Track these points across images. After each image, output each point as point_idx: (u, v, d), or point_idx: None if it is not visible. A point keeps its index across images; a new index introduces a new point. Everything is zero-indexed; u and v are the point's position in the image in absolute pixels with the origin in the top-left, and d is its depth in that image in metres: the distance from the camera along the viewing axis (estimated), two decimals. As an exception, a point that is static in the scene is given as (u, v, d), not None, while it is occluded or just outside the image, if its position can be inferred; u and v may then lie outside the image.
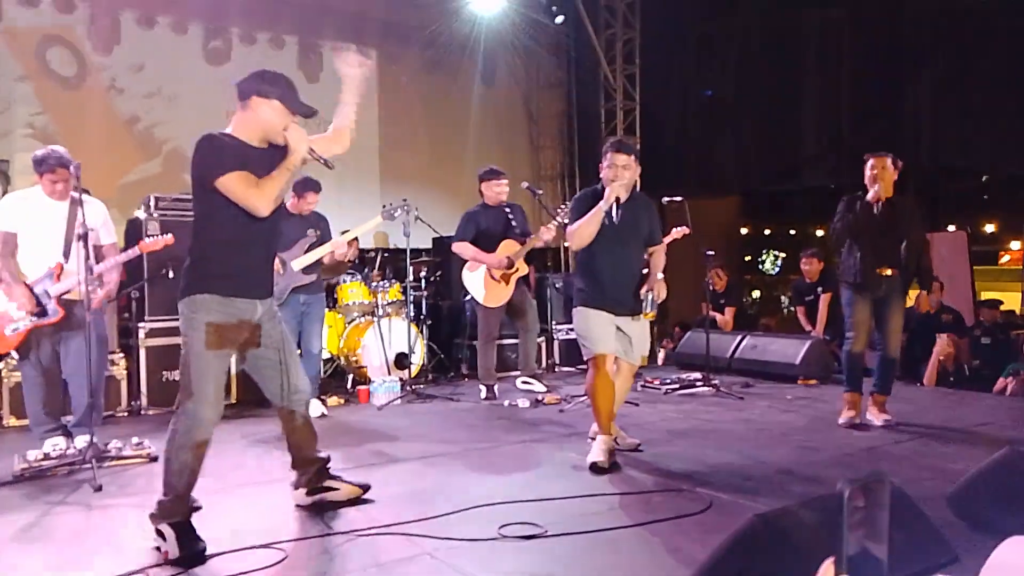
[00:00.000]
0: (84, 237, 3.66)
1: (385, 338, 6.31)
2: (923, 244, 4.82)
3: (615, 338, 3.91)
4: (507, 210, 5.87)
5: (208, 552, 2.63)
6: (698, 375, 6.21)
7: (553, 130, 11.14)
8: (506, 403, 5.62)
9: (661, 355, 8.32)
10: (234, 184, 2.70)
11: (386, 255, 8.31)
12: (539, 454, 4.16)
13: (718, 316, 7.90)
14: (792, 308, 8.88)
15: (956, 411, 5.25)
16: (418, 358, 6.58)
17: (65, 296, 4.01)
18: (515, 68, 10.80)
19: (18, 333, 3.95)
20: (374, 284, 6.79)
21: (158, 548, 2.65)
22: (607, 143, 4.13)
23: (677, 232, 5.95)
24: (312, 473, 3.19)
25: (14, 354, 4.10)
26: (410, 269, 6.31)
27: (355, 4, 9.30)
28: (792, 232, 17.44)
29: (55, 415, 4.12)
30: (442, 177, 9.74)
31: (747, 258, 17.77)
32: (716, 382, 6.06)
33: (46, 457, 3.88)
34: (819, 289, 7.23)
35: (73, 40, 8.03)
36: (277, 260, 4.85)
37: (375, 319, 6.47)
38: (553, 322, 7.45)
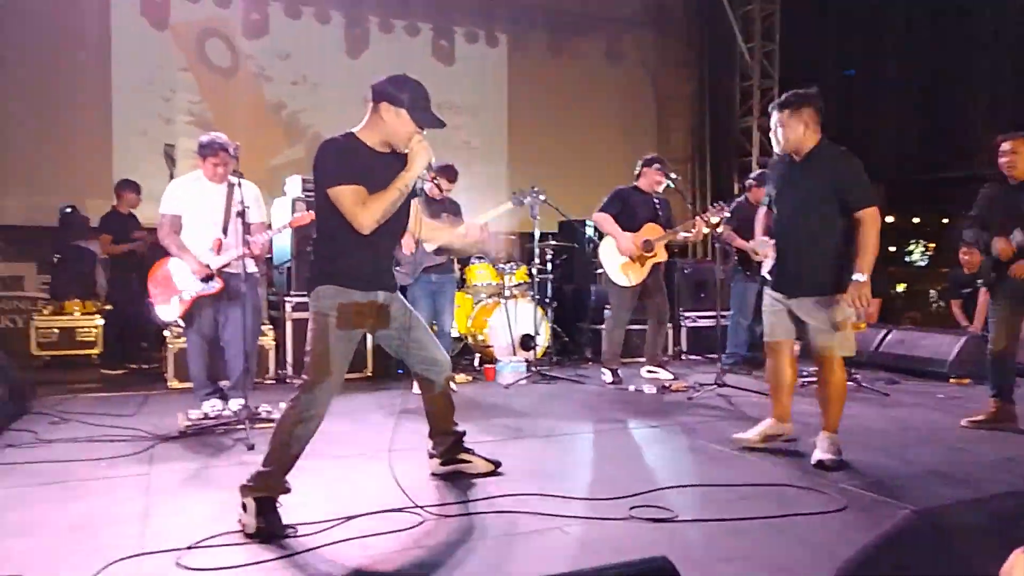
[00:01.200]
0: (242, 214, 3.95)
1: (511, 319, 6.40)
2: None
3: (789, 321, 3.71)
4: (656, 200, 5.85)
5: (350, 513, 2.77)
6: (837, 368, 5.88)
7: (683, 111, 10.84)
8: (631, 388, 5.57)
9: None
10: (344, 198, 2.70)
11: (513, 237, 8.41)
12: (667, 439, 4.09)
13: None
14: (943, 302, 8.24)
15: None
16: (543, 340, 6.63)
17: (224, 269, 4.33)
18: (643, 48, 10.59)
19: (183, 302, 4.31)
20: (501, 266, 6.89)
21: (239, 520, 2.68)
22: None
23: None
24: (448, 444, 3.29)
25: (180, 322, 4.47)
26: (536, 252, 6.36)
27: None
28: (945, 221, 16.14)
29: (214, 379, 4.46)
30: (569, 160, 9.70)
31: (891, 249, 16.61)
32: (858, 376, 5.72)
33: (205, 417, 4.23)
34: (979, 281, 6.65)
35: (227, 32, 8.62)
36: (410, 239, 5.01)
37: (502, 300, 6.57)
38: (680, 309, 7.29)
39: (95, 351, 6.85)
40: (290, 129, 8.97)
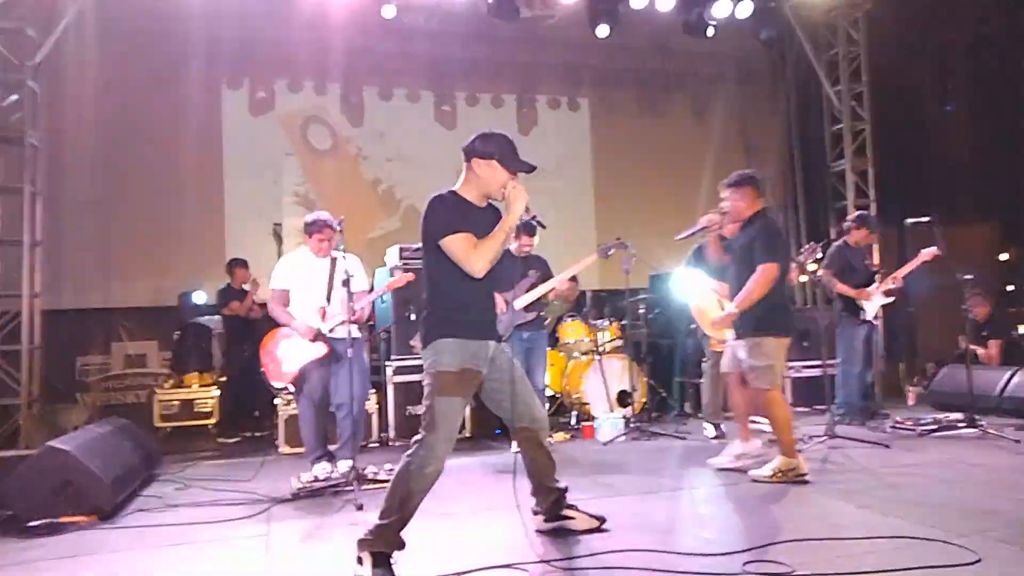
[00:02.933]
0: (347, 283, 4.19)
1: (606, 376, 6.37)
2: None
3: None
4: None
5: (456, 570, 2.80)
6: (959, 416, 5.53)
7: (772, 160, 10.69)
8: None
9: (912, 394, 7.50)
10: (456, 245, 2.87)
11: (603, 294, 8.42)
12: (776, 493, 3.93)
13: (980, 350, 7.00)
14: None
15: None
16: (639, 396, 6.55)
17: (330, 335, 4.56)
18: (728, 101, 10.58)
19: (294, 369, 4.55)
20: (593, 322, 6.90)
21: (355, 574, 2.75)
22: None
23: (925, 254, 5.42)
24: (551, 501, 3.29)
25: (291, 388, 4.70)
26: (628, 307, 6.35)
27: (567, 55, 9.70)
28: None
29: (323, 442, 4.64)
30: (657, 215, 9.70)
31: (1009, 287, 15.54)
32: (983, 423, 5.35)
33: (316, 479, 4.39)
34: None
35: (327, 117, 9.22)
36: (500, 299, 5.13)
37: (596, 357, 6.56)
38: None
39: (212, 421, 7.24)
40: (386, 203, 9.41)
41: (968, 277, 5.72)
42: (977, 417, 5.42)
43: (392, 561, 2.77)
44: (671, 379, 7.25)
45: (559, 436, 5.89)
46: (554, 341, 6.96)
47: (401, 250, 6.18)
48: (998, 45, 11.60)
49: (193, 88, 8.40)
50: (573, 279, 5.88)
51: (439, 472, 2.89)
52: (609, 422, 5.87)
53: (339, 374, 4.50)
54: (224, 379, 7.26)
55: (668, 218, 9.70)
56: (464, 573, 2.78)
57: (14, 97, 6.75)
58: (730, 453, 4.57)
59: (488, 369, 3.06)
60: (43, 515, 3.68)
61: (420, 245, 6.22)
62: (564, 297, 6.00)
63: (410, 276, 4.85)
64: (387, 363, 6.03)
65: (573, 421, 6.55)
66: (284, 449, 5.75)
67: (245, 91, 8.89)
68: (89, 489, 3.81)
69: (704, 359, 6.71)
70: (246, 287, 7.07)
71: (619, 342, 6.83)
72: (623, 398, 6.48)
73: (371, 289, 5.02)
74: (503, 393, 3.14)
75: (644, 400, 6.62)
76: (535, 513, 3.33)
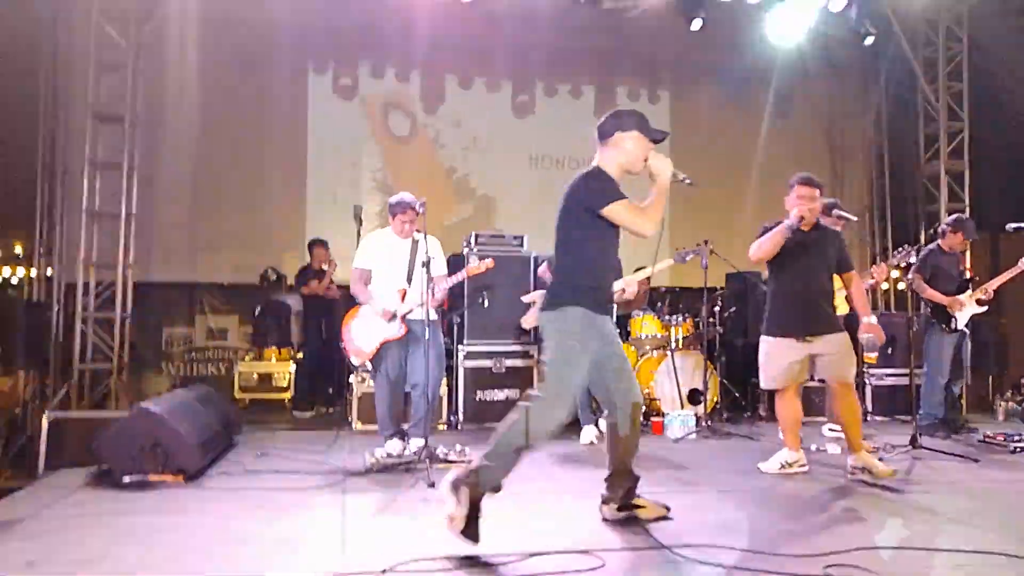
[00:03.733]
0: (427, 264, 4.25)
1: (678, 372, 6.28)
2: None
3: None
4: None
5: (531, 551, 2.81)
6: (1054, 433, 5.24)
7: (859, 160, 10.31)
8: (813, 447, 5.24)
9: (1002, 408, 7.14)
10: (625, 211, 3.04)
11: (678, 291, 8.29)
12: (855, 498, 3.80)
13: (1079, 366, 6.59)
14: None
15: None
16: (711, 395, 6.43)
17: (408, 316, 4.63)
18: (813, 97, 10.26)
19: (372, 347, 4.65)
20: (667, 318, 6.80)
21: (448, 514, 2.79)
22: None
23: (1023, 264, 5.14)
24: (626, 489, 3.26)
25: (368, 366, 4.81)
26: (705, 305, 6.24)
27: (647, 46, 9.56)
28: None
29: (397, 420, 4.73)
30: (737, 213, 9.49)
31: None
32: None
33: (389, 456, 4.48)
34: None
35: (407, 103, 9.36)
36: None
37: (668, 353, 6.47)
38: (866, 366, 6.81)
39: (288, 395, 7.48)
40: (460, 191, 9.49)
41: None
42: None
43: (480, 516, 2.82)
44: (745, 380, 7.09)
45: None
46: (626, 335, 6.90)
47: (476, 236, 6.23)
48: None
49: (281, 71, 8.66)
50: (646, 280, 5.84)
51: (551, 435, 2.96)
52: (679, 419, 5.79)
53: (415, 355, 4.58)
54: (300, 355, 7.48)
55: (747, 216, 9.48)
56: (539, 554, 2.78)
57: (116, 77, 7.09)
58: (778, 459, 4.44)
59: (600, 344, 3.12)
60: (135, 472, 3.86)
61: (493, 232, 6.38)
62: (636, 300, 6.00)
63: (490, 263, 4.89)
64: (459, 347, 6.09)
65: (642, 417, 6.47)
66: (357, 425, 5.88)
67: (330, 76, 9.10)
68: (177, 450, 3.98)
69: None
70: (324, 267, 7.24)
71: (692, 339, 6.71)
72: (694, 396, 6.37)
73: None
74: (608, 369, 3.17)
75: (716, 399, 6.50)
76: (605, 501, 3.30)
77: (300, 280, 7.28)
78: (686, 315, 6.92)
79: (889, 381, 6.83)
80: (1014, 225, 5.34)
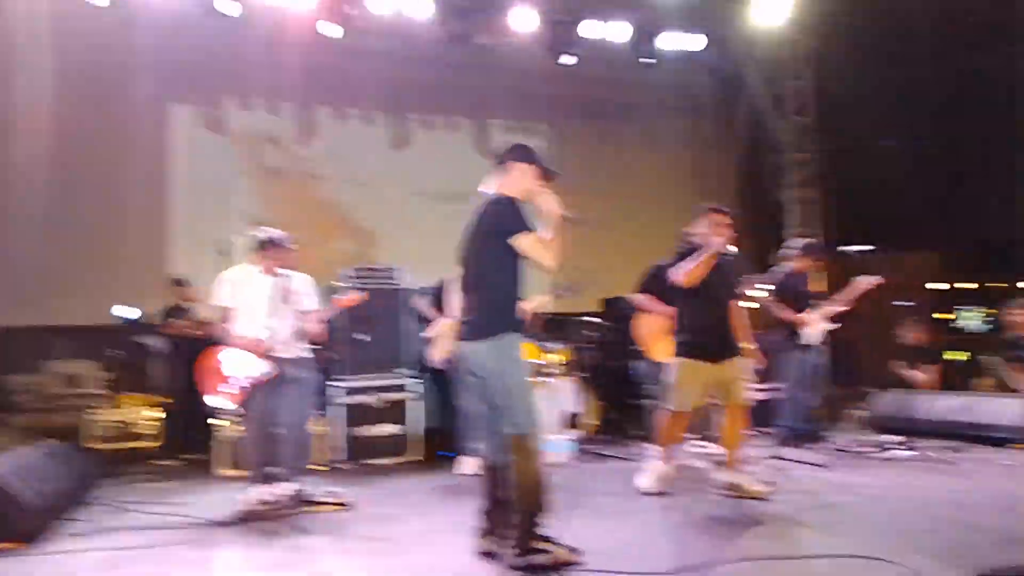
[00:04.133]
0: (287, 299, 4.14)
1: (555, 397, 6.38)
2: None
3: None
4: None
5: None
6: (898, 438, 5.68)
7: (719, 189, 10.93)
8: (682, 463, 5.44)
9: (853, 417, 7.68)
10: (532, 244, 3.16)
11: (557, 317, 8.45)
12: (718, 512, 3.97)
13: (918, 375, 7.22)
14: (1002, 368, 7.94)
15: None
16: (590, 418, 6.57)
17: (276, 354, 4.47)
18: (678, 131, 10.83)
19: (240, 391, 4.46)
20: (545, 344, 6.91)
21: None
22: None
23: (866, 282, 5.60)
24: (502, 521, 3.23)
25: (236, 409, 4.58)
26: (580, 330, 6.40)
27: (523, 82, 9.82)
28: (1000, 286, 15.73)
29: (267, 463, 4.52)
30: (611, 241, 9.82)
31: (950, 316, 16.14)
32: (919, 446, 5.50)
33: (258, 503, 4.27)
34: (1036, 343, 6.43)
35: (280, 136, 9.14)
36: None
37: (547, 379, 6.56)
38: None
39: (151, 444, 7.00)
40: (339, 225, 9.33)
41: (907, 304, 5.92)
42: (914, 440, 5.57)
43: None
44: (622, 402, 7.29)
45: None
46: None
47: (356, 271, 6.13)
48: (939, 85, 12.14)
49: (138, 103, 8.25)
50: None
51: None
52: (558, 444, 5.86)
53: (285, 395, 4.42)
54: (164, 400, 7.05)
55: (622, 245, 9.84)
56: None
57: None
58: (654, 474, 4.57)
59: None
60: (-36, 541, 3.50)
61: (372, 266, 6.30)
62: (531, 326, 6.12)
63: (363, 295, 4.80)
64: (337, 384, 5.93)
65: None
66: (226, 471, 5.59)
67: (194, 108, 8.77)
68: (13, 515, 3.63)
69: (654, 382, 6.80)
70: (189, 306, 6.89)
71: (570, 365, 6.84)
72: (572, 420, 6.48)
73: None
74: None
75: (595, 422, 6.64)
76: (484, 534, 3.28)
77: (164, 320, 6.90)
78: (564, 341, 7.07)
79: (758, 396, 7.21)
80: (855, 248, 5.81)
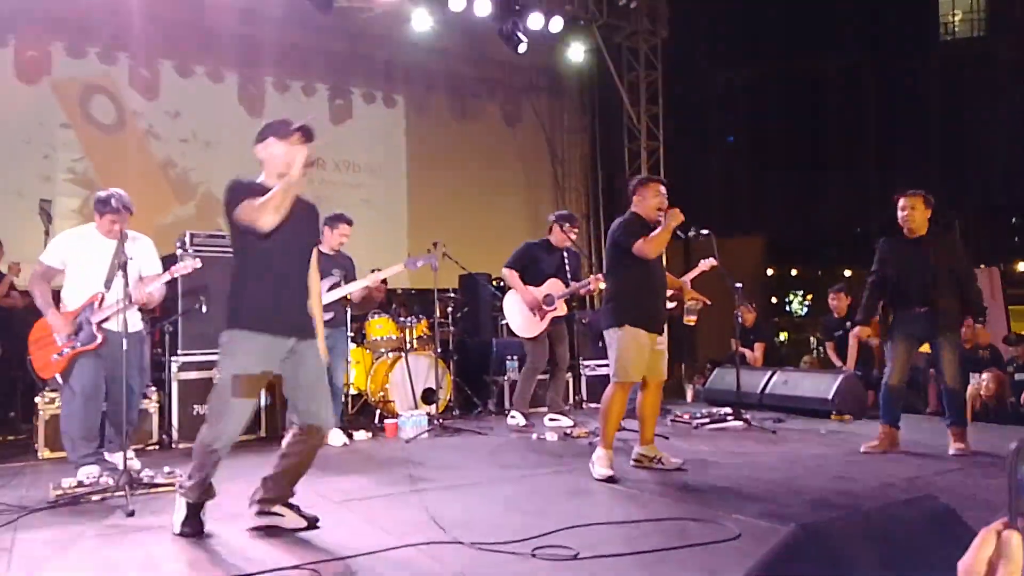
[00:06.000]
0: (123, 266, 3.77)
1: (412, 373, 6.33)
2: (968, 276, 4.80)
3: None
4: (565, 254, 6.04)
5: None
6: (729, 410, 6.12)
7: (577, 171, 11.27)
8: (534, 436, 5.58)
9: (690, 391, 8.22)
10: (242, 210, 2.94)
11: (413, 292, 8.38)
12: (568, 483, 4.10)
13: (748, 352, 7.81)
14: (822, 347, 8.77)
15: (1000, 444, 5.11)
16: (445, 393, 6.58)
17: (105, 324, 4.11)
18: (539, 111, 11.02)
19: (63, 358, 4.06)
20: (401, 320, 6.83)
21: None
22: (639, 179, 4.58)
23: (705, 264, 5.94)
24: (278, 498, 3.21)
25: (59, 379, 4.18)
26: (437, 305, 6.38)
27: (383, 52, 9.58)
28: (819, 273, 17.38)
29: (91, 441, 4.16)
30: (470, 217, 9.86)
31: (774, 300, 17.63)
32: (747, 417, 5.96)
33: (80, 484, 3.91)
34: (848, 324, 7.14)
35: (114, 89, 8.36)
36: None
37: (403, 354, 6.50)
38: (581, 358, 7.42)
39: (-46, 424, 6.25)
40: (179, 188, 8.70)
41: (738, 286, 6.35)
42: (743, 411, 6.03)
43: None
44: (478, 377, 7.36)
45: (361, 435, 5.74)
46: (361, 338, 6.81)
47: (192, 236, 5.72)
48: (776, 83, 13.10)
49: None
50: (383, 282, 5.87)
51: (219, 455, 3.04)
52: (413, 420, 5.83)
53: (114, 368, 4.06)
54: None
55: (479, 221, 9.91)
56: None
57: None
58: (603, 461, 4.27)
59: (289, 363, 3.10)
60: None
61: (213, 232, 5.97)
62: (370, 302, 6.03)
63: (196, 263, 4.46)
64: (172, 358, 5.55)
65: (377, 420, 6.43)
66: (45, 454, 5.07)
67: (10, 51, 7.82)
68: None
69: (510, 357, 6.92)
70: (2, 270, 6.18)
71: (426, 340, 6.81)
72: (428, 396, 6.47)
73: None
74: (300, 387, 3.14)
75: (449, 397, 6.66)
76: (251, 503, 3.23)
77: (-31, 287, 6.14)
78: (420, 316, 7.02)
79: (601, 372, 7.52)
80: (694, 232, 6.13)
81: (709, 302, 5.83)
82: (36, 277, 4.15)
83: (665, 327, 4.42)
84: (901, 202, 4.74)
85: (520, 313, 5.98)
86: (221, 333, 3.07)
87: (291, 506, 3.22)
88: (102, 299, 4.16)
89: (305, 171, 2.98)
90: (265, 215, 2.88)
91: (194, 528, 3.09)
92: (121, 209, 4.16)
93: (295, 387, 3.14)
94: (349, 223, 5.49)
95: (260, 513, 3.20)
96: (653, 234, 4.23)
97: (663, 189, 4.40)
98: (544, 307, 5.93)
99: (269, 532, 3.17)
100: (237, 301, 3.06)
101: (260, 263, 3.04)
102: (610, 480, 4.02)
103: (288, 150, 3.01)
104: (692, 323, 5.53)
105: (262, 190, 2.99)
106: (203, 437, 3.03)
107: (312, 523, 3.19)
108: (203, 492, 3.11)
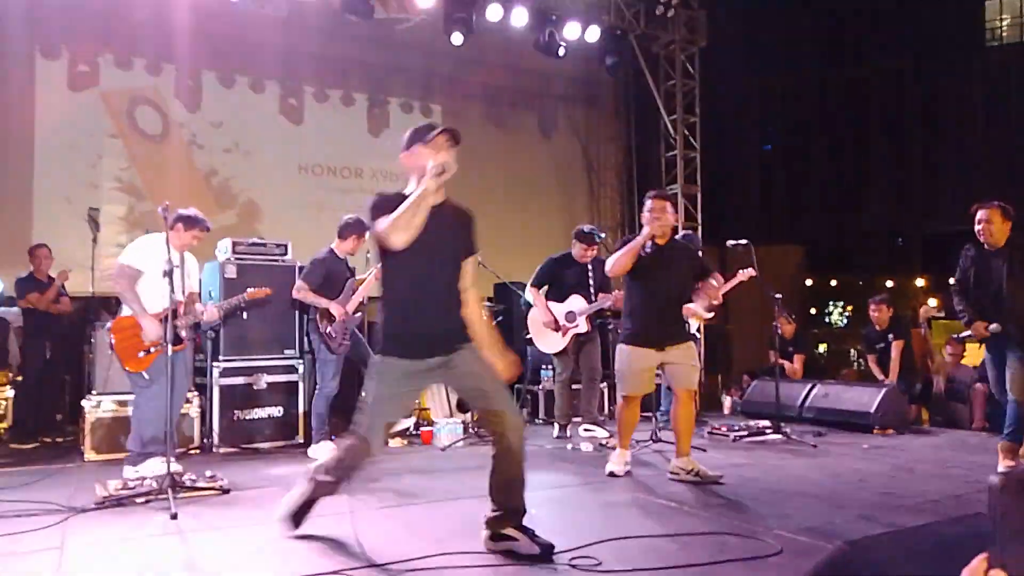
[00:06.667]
0: (169, 274, 3.90)
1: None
2: None
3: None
4: (590, 267, 5.99)
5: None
6: (767, 423, 6.03)
7: (612, 180, 11.24)
8: (569, 447, 5.56)
9: (728, 403, 8.12)
10: (377, 227, 2.88)
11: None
12: (604, 494, 4.08)
13: (786, 364, 7.68)
14: (863, 360, 8.58)
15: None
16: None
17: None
18: (574, 121, 11.02)
19: (150, 356, 4.31)
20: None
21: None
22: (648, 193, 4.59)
23: (743, 275, 5.88)
24: (498, 515, 3.04)
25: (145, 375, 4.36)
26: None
27: (421, 61, 9.67)
28: (860, 283, 17.04)
29: (161, 440, 4.26)
30: (506, 226, 9.86)
31: (813, 311, 17.32)
32: (787, 430, 5.87)
33: (125, 486, 4.00)
34: (890, 336, 6.99)
35: (159, 100, 8.57)
36: (342, 308, 5.19)
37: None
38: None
39: (3, 424, 6.43)
40: (221, 196, 8.88)
41: (777, 297, 6.27)
42: (782, 425, 5.93)
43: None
44: (512, 386, 7.35)
45: (397, 442, 5.78)
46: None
47: (234, 244, 5.83)
48: (815, 91, 12.93)
49: (4, 54, 7.52)
50: None
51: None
52: (448, 427, 5.85)
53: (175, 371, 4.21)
54: (20, 378, 6.48)
55: (514, 230, 9.92)
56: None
57: None
58: (620, 459, 4.52)
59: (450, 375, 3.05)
60: None
61: (255, 240, 6.10)
62: None
63: (267, 290, 4.92)
64: (214, 364, 5.65)
65: (412, 427, 6.46)
66: (91, 456, 5.21)
67: (64, 63, 8.08)
68: None
69: (545, 367, 6.92)
70: (51, 276, 6.35)
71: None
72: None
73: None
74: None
75: (483, 406, 6.66)
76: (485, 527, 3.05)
77: (20, 291, 6.30)
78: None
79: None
80: (732, 242, 6.08)
81: (708, 316, 5.94)
82: (126, 278, 4.33)
83: (692, 339, 4.52)
84: (979, 214, 4.63)
85: (541, 331, 5.99)
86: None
87: (525, 529, 2.96)
88: (182, 309, 4.43)
89: (440, 179, 2.88)
90: (395, 233, 2.80)
91: (298, 520, 3.11)
92: (206, 230, 4.58)
93: (466, 394, 3.19)
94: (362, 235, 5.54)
95: (493, 538, 2.98)
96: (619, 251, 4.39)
97: (655, 204, 4.41)
98: (566, 324, 5.92)
99: (308, 536, 3.20)
100: (381, 324, 3.04)
101: (401, 281, 2.98)
102: (611, 475, 4.36)
103: (435, 155, 2.93)
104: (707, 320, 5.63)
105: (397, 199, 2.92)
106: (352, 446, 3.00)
107: (547, 551, 2.89)
108: (328, 490, 3.11)
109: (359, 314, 5.67)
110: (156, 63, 8.47)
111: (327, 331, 5.26)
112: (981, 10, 16.58)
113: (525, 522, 2.99)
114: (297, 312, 5.87)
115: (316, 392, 5.36)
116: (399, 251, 2.83)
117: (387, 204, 2.90)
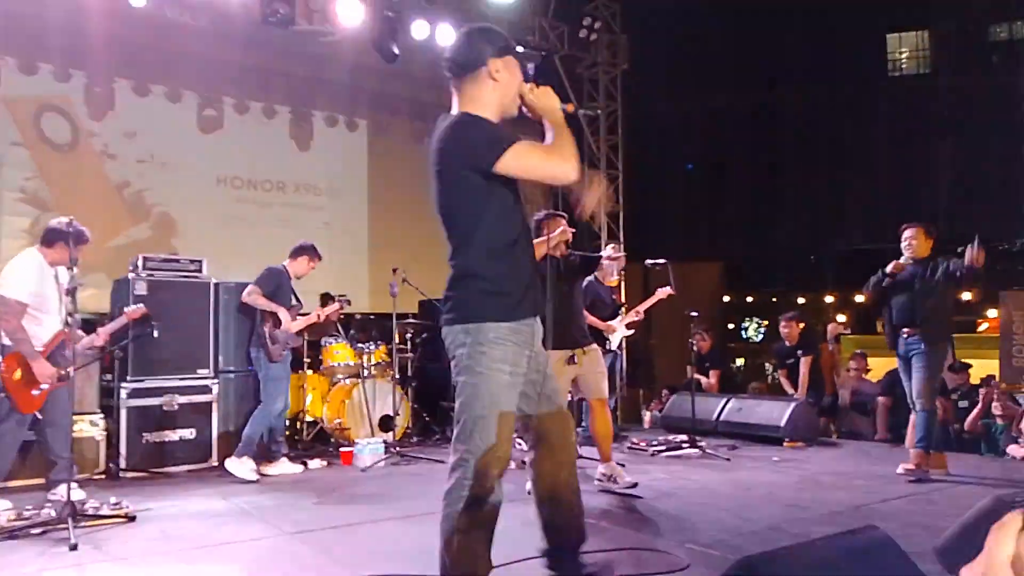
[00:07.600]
0: (72, 293, 3.72)
1: (370, 400, 6.28)
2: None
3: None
4: None
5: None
6: (684, 437, 6.19)
7: (538, 198, 11.35)
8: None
9: (647, 418, 8.30)
10: (527, 153, 2.27)
11: (372, 317, 8.33)
12: (526, 512, 4.09)
13: (703, 379, 7.92)
14: (776, 373, 8.93)
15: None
16: (403, 420, 6.54)
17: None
18: (501, 139, 11.12)
19: (43, 393, 4.03)
20: (359, 345, 6.78)
21: None
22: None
23: (661, 292, 6.04)
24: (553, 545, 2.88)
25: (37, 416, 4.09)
26: (396, 331, 6.36)
27: (346, 75, 9.57)
28: (774, 300, 17.76)
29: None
30: (430, 243, 9.82)
31: (730, 326, 17.93)
32: (702, 444, 6.04)
33: (19, 516, 3.79)
34: (799, 352, 7.30)
35: (68, 107, 8.20)
36: (288, 315, 5.11)
37: (360, 380, 6.44)
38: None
39: None
40: (134, 209, 8.54)
41: (693, 314, 6.47)
42: (698, 439, 6.10)
43: None
44: (437, 404, 7.33)
45: (316, 463, 5.67)
46: (318, 363, 6.73)
47: (145, 260, 5.62)
48: (734, 114, 13.45)
49: None
50: (339, 306, 5.91)
51: (498, 503, 2.34)
52: (369, 448, 5.77)
53: (58, 393, 3.98)
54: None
55: (440, 246, 9.88)
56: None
57: None
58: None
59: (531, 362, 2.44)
60: None
61: (168, 256, 5.88)
62: (326, 326, 6.14)
63: (142, 309, 4.65)
64: (122, 384, 5.41)
65: (332, 448, 6.35)
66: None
67: (-39, 66, 7.65)
68: None
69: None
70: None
71: (385, 366, 6.77)
72: (385, 423, 6.42)
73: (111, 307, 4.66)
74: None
75: (407, 424, 6.61)
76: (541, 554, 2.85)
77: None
78: (378, 342, 6.97)
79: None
80: (651, 261, 6.25)
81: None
82: (16, 319, 3.94)
83: (596, 351, 4.71)
84: (905, 232, 5.03)
85: None
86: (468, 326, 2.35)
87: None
88: (65, 337, 4.10)
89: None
90: (571, 162, 2.26)
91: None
92: (87, 243, 4.06)
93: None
94: (317, 259, 5.66)
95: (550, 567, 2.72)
96: None
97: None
98: None
99: (219, 563, 3.11)
100: (477, 287, 2.40)
101: (510, 231, 2.43)
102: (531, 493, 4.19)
103: (527, 87, 2.39)
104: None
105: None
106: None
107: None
108: None
109: (300, 338, 5.62)
110: (64, 69, 8.11)
111: (272, 333, 5.18)
112: (883, 43, 17.70)
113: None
114: (213, 329, 5.72)
115: (259, 409, 5.24)
116: (503, 197, 2.35)
117: (503, 135, 2.34)
